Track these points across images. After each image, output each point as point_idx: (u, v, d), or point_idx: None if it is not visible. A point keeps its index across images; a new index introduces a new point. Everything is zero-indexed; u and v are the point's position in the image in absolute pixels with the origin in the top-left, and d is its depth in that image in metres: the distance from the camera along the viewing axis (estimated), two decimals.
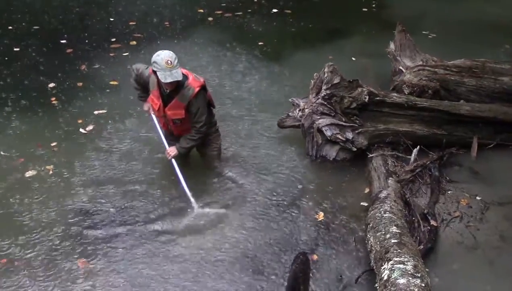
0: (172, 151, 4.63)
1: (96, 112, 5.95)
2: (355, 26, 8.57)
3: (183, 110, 4.42)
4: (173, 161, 4.64)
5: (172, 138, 4.77)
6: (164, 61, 4.12)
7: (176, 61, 4.17)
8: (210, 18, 8.83)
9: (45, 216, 4.44)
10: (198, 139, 4.65)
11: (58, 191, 4.75)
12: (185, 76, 4.34)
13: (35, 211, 4.49)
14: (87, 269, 3.93)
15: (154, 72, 4.24)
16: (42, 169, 5.00)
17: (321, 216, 4.51)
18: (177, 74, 4.18)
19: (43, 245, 4.14)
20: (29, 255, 4.04)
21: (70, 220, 4.41)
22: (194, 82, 4.37)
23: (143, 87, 4.68)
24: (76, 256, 4.05)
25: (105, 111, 5.99)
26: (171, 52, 4.22)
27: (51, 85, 6.53)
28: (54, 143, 5.38)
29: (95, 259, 4.03)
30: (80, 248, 4.13)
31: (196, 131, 4.55)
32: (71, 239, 4.22)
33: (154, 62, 4.16)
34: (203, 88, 4.45)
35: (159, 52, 4.21)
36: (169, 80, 4.16)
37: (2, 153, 5.21)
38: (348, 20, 8.91)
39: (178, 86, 4.31)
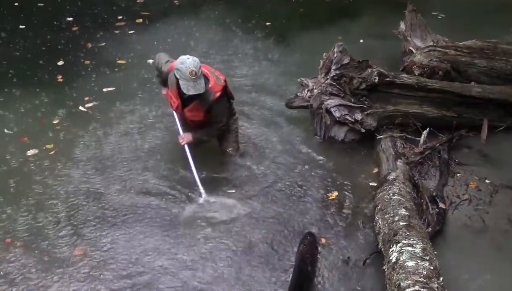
0: (186, 137, 4.54)
1: (104, 89, 5.92)
2: (363, 6, 8.46)
3: (202, 113, 4.37)
4: (186, 147, 4.53)
5: (188, 127, 4.70)
6: (188, 71, 3.99)
7: (200, 71, 4.06)
8: None
9: (45, 196, 4.41)
10: (216, 136, 4.69)
11: (58, 171, 4.71)
12: (207, 79, 4.24)
13: (35, 190, 4.46)
14: (86, 252, 3.88)
15: (176, 78, 4.14)
16: (44, 148, 4.98)
17: (329, 197, 4.47)
18: (200, 87, 4.08)
19: (43, 226, 4.11)
20: (30, 236, 4.01)
21: (69, 201, 4.37)
22: (215, 86, 4.28)
23: (162, 79, 4.64)
24: (75, 238, 4.00)
25: (113, 89, 5.96)
26: (196, 61, 4.07)
27: (58, 63, 6.49)
28: (56, 121, 5.35)
29: (95, 243, 3.97)
30: (79, 230, 4.07)
31: (216, 129, 4.55)
32: (71, 220, 4.17)
33: (178, 69, 4.05)
34: (224, 89, 4.38)
35: (184, 59, 4.06)
36: (191, 92, 4.09)
37: (5, 131, 5.20)
38: (356, 1, 8.79)
39: None
